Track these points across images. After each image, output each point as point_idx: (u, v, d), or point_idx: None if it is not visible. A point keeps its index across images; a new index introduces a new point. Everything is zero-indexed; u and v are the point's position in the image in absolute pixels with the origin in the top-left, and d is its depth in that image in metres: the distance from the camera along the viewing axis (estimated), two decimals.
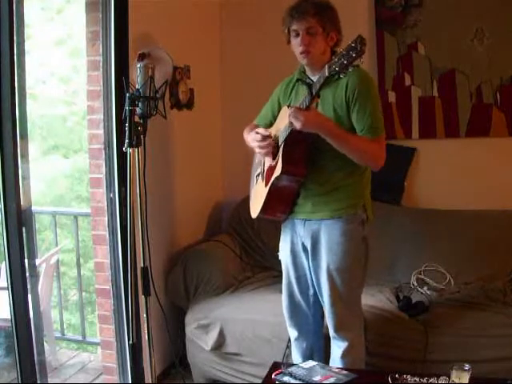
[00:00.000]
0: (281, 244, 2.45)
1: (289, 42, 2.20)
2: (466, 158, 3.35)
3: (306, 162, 2.17)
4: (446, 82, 3.33)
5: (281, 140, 2.19)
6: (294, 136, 2.12)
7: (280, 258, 2.45)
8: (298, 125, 2.02)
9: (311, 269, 2.30)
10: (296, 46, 2.15)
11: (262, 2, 3.46)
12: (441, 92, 3.34)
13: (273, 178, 2.20)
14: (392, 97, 3.41)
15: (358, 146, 2.11)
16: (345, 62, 1.79)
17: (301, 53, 2.14)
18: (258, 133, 2.31)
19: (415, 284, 3.00)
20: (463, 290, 2.90)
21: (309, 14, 2.09)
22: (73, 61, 4.76)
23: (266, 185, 2.28)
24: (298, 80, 2.25)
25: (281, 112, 2.32)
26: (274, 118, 2.40)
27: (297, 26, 2.12)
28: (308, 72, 2.23)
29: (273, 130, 2.34)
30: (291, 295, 2.42)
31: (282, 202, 2.28)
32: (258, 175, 2.45)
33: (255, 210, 2.39)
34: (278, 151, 2.22)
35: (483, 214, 3.17)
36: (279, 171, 2.15)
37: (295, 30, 2.13)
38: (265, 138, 2.27)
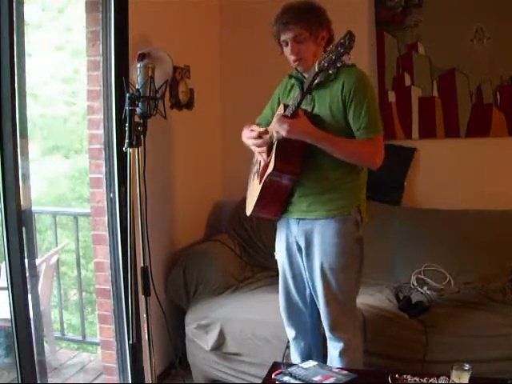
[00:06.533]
0: (276, 244, 2.44)
1: (282, 52, 2.22)
2: (465, 158, 3.35)
3: (301, 160, 2.17)
4: (445, 82, 3.33)
5: (275, 137, 2.20)
6: None
7: (276, 257, 2.45)
8: (283, 132, 2.08)
9: (305, 268, 2.30)
10: (288, 54, 2.19)
11: (261, 3, 3.46)
12: (441, 92, 3.34)
13: (266, 175, 2.21)
14: (392, 97, 3.41)
15: (350, 149, 2.13)
16: (333, 58, 1.85)
17: (293, 61, 2.18)
18: (252, 130, 2.32)
19: (415, 284, 2.99)
20: (463, 289, 2.90)
21: (292, 22, 2.11)
22: (73, 61, 4.76)
23: (259, 182, 2.29)
24: (290, 77, 2.28)
25: (278, 110, 2.32)
26: None
27: (284, 37, 2.15)
28: (304, 72, 2.23)
29: (271, 128, 2.33)
30: (288, 295, 2.42)
31: (275, 200, 2.28)
32: (255, 173, 2.45)
33: (249, 207, 2.39)
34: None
35: (483, 214, 3.16)
36: (271, 168, 2.16)
37: (284, 41, 2.16)
38: (260, 135, 2.28)
